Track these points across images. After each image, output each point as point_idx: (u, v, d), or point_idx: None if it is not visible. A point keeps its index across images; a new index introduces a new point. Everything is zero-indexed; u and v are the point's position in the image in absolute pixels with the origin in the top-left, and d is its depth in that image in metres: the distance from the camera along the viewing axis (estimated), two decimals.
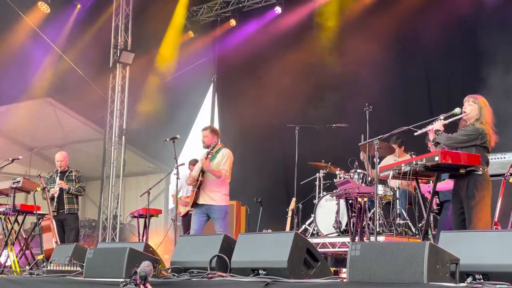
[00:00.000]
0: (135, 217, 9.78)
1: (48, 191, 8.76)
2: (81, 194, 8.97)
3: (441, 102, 9.44)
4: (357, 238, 7.16)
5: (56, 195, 8.65)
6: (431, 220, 6.93)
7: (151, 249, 5.72)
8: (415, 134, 5.88)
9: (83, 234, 12.97)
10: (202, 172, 7.46)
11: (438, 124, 5.70)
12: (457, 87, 9.31)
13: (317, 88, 11.33)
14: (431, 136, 5.76)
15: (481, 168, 5.41)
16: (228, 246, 4.95)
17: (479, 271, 3.82)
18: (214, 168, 7.48)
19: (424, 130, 5.80)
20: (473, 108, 5.65)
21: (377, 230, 6.68)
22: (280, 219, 9.14)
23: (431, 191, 5.95)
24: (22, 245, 8.39)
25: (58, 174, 8.91)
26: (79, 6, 12.58)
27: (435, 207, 7.08)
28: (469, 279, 3.80)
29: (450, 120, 5.74)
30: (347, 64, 11.00)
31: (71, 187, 8.80)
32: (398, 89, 10.45)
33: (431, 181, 6.41)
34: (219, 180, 7.50)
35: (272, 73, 12.15)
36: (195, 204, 7.49)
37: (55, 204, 8.64)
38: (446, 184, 6.58)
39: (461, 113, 5.68)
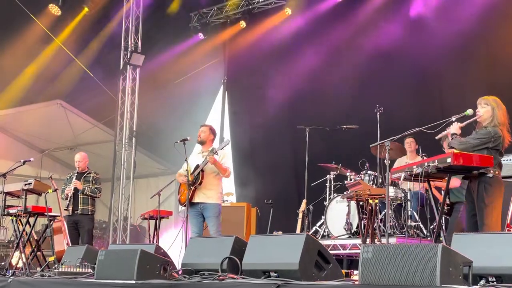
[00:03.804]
0: (145, 218, 9.82)
1: (63, 191, 8.82)
2: (96, 196, 8.90)
3: (453, 103, 9.37)
4: (368, 240, 7.13)
5: (70, 195, 8.68)
6: (443, 221, 6.89)
7: (162, 250, 5.72)
8: (436, 138, 5.84)
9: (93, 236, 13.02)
10: (202, 170, 7.42)
11: (455, 127, 5.64)
12: (469, 88, 9.26)
13: (327, 89, 11.31)
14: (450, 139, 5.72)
15: (492, 171, 5.36)
16: (239, 248, 4.94)
17: (492, 274, 3.79)
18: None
19: (444, 133, 5.76)
20: (486, 110, 5.60)
21: (389, 232, 6.66)
22: (291, 221, 9.12)
23: (443, 192, 5.91)
24: (33, 246, 8.42)
25: (75, 175, 8.93)
26: (86, 9, 12.62)
27: (445, 207, 7.03)
28: (482, 282, 3.78)
29: (467, 122, 5.68)
30: (357, 65, 10.96)
31: (86, 187, 8.79)
32: (409, 90, 10.40)
33: None
34: (217, 178, 7.52)
35: (282, 74, 12.14)
36: (189, 202, 7.41)
37: (67, 203, 8.67)
38: (453, 182, 6.54)
39: (473, 114, 5.64)
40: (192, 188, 7.39)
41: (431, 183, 6.17)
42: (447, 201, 7.00)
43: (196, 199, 7.44)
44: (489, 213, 5.34)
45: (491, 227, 5.28)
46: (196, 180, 7.40)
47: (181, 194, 7.69)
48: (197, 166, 7.49)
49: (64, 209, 8.66)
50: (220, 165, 7.41)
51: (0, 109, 12.89)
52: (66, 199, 8.69)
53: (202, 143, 7.75)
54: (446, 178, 5.75)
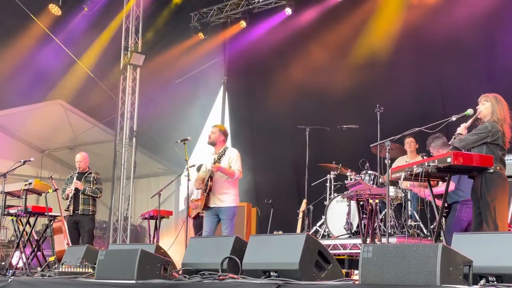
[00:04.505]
0: (146, 218, 9.82)
1: (64, 191, 8.82)
2: (97, 196, 8.88)
3: (454, 103, 9.37)
4: (368, 240, 7.13)
5: (71, 195, 8.67)
6: (443, 221, 6.89)
7: (162, 250, 5.73)
8: (449, 143, 5.82)
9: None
10: (211, 177, 7.37)
11: (461, 128, 5.62)
12: (471, 88, 9.25)
13: (327, 89, 11.30)
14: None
15: (492, 166, 5.30)
16: (239, 248, 4.94)
17: (492, 273, 3.79)
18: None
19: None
20: (486, 107, 5.58)
21: (389, 231, 6.65)
22: (291, 220, 9.13)
23: (443, 195, 5.89)
24: (33, 246, 8.43)
25: (76, 175, 8.93)
26: (86, 9, 12.61)
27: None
28: (482, 281, 3.78)
29: (471, 121, 5.64)
30: (357, 64, 10.96)
31: (87, 188, 8.79)
32: (409, 90, 10.40)
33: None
34: (228, 181, 7.44)
35: (282, 74, 12.14)
36: (205, 207, 7.45)
37: (68, 203, 8.67)
38: (439, 188, 6.58)
39: (473, 114, 5.63)
40: (205, 194, 7.38)
41: (427, 189, 6.15)
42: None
43: (211, 204, 7.42)
44: (491, 211, 5.25)
45: (492, 226, 5.19)
46: (206, 187, 7.37)
47: (199, 199, 7.66)
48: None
49: (65, 210, 8.66)
50: (225, 170, 7.35)
51: (0, 109, 12.89)
52: (67, 199, 8.69)
53: (212, 144, 7.62)
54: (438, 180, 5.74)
